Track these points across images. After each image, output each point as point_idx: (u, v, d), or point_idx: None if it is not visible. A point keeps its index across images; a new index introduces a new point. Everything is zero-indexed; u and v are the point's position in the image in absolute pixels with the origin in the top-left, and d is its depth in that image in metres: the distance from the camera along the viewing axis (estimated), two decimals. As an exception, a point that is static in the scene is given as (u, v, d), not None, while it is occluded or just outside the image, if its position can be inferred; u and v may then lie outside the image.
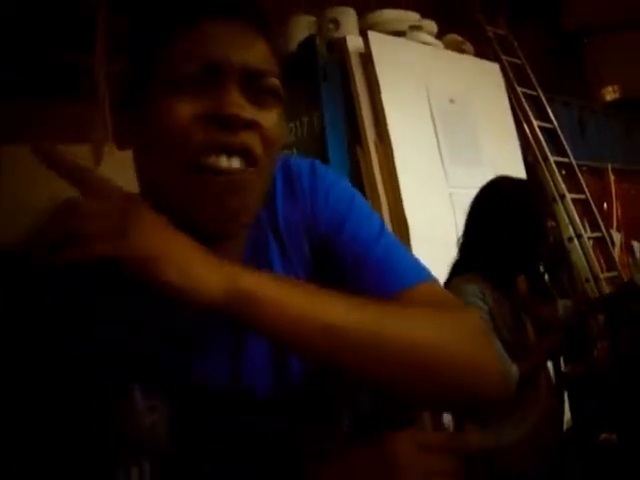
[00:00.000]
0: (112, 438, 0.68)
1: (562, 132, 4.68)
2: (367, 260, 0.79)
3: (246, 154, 0.70)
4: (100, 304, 0.71)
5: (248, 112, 0.69)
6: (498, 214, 1.93)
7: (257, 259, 0.79)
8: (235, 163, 0.69)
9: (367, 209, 0.86)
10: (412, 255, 0.86)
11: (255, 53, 0.71)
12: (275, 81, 0.73)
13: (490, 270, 1.90)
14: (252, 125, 0.70)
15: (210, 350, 0.75)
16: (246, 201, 0.70)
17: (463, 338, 0.72)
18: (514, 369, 1.84)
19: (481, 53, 4.50)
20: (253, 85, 0.71)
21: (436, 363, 0.69)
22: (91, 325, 0.70)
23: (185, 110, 0.67)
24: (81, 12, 5.22)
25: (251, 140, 0.70)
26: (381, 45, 3.38)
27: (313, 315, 0.64)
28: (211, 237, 0.69)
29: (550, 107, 4.74)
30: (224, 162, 0.68)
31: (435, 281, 0.84)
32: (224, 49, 0.69)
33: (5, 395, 0.67)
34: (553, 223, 2.01)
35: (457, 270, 1.98)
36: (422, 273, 0.82)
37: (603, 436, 2.86)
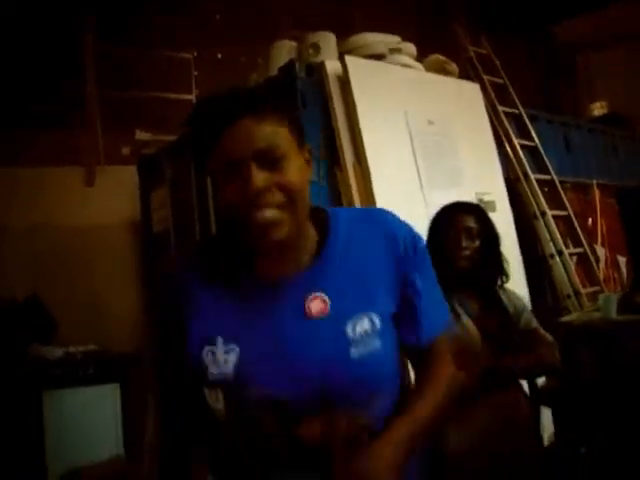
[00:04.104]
0: None
1: (547, 149, 4.76)
2: (425, 300, 1.22)
3: (273, 206, 1.07)
4: None
5: (263, 180, 1.06)
6: (428, 236, 2.23)
7: (327, 254, 1.17)
8: (269, 213, 1.07)
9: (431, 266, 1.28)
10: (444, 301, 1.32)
11: (259, 139, 1.07)
12: (280, 150, 1.08)
13: None
14: (269, 187, 1.07)
15: None
16: (280, 229, 1.08)
17: (451, 395, 1.24)
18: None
19: (465, 73, 4.59)
20: (265, 158, 1.07)
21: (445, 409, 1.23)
22: None
23: (230, 193, 1.08)
24: (69, 41, 5.37)
25: (272, 197, 1.07)
26: (359, 69, 3.46)
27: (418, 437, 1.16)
28: (271, 249, 1.12)
29: (534, 124, 4.82)
30: (261, 215, 1.07)
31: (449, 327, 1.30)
32: (240, 147, 1.06)
33: None
34: (465, 243, 2.16)
35: None
36: (447, 322, 1.29)
37: (583, 450, 2.92)
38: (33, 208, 5.04)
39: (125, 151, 5.51)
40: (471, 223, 2.16)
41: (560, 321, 3.01)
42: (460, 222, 2.17)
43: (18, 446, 3.82)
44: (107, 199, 5.27)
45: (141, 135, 5.42)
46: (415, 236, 1.24)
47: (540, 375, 2.37)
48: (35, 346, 4.10)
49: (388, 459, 1.08)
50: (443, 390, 1.23)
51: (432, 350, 1.24)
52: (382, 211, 1.29)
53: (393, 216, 1.26)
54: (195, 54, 6.27)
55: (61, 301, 4.62)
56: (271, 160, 1.07)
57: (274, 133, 1.08)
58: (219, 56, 6.48)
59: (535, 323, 2.23)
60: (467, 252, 2.14)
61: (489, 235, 2.21)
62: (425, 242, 1.27)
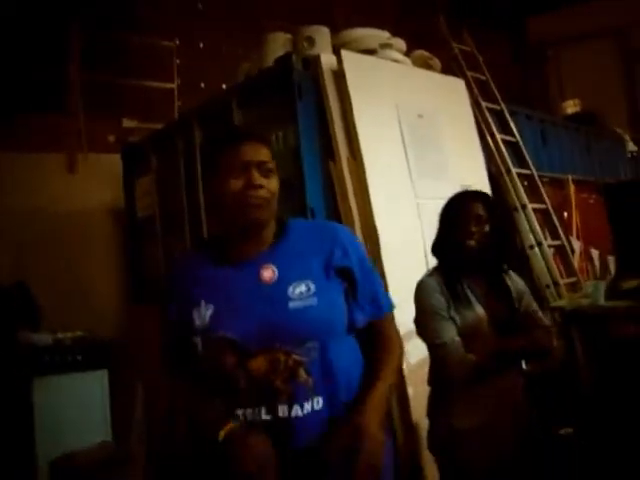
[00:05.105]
0: None
1: (525, 144, 4.91)
2: (367, 285, 1.65)
3: (260, 198, 1.55)
4: None
5: (260, 181, 1.56)
6: (439, 223, 2.41)
7: (280, 242, 1.63)
8: (258, 200, 1.55)
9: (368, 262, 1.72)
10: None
11: (262, 155, 1.59)
12: (271, 165, 1.60)
13: (443, 268, 2.32)
14: (262, 186, 1.56)
15: None
16: (262, 213, 1.56)
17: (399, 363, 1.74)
18: (468, 357, 2.10)
19: (447, 68, 4.71)
20: (262, 168, 1.58)
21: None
22: None
23: (235, 185, 1.55)
24: (53, 26, 5.34)
25: (262, 192, 1.56)
26: (353, 63, 3.54)
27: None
28: (252, 227, 1.58)
29: (513, 120, 4.96)
30: (254, 200, 1.55)
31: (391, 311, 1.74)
32: (250, 155, 1.57)
33: None
34: (475, 228, 2.26)
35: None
36: (391, 304, 1.72)
37: (562, 431, 3.06)
38: (15, 194, 5.01)
39: (111, 139, 5.50)
40: (480, 210, 2.25)
41: (552, 306, 3.14)
42: (469, 210, 2.26)
43: (7, 432, 3.84)
44: (89, 186, 5.27)
45: (128, 123, 5.43)
46: (353, 239, 1.70)
47: (536, 357, 2.48)
48: (24, 333, 4.10)
49: (374, 421, 1.47)
50: (396, 363, 1.68)
51: (381, 329, 1.67)
52: (335, 224, 1.78)
53: (341, 226, 1.76)
54: (177, 42, 6.28)
55: (45, 287, 4.62)
56: (265, 170, 1.58)
57: (269, 155, 1.61)
58: (201, 45, 6.49)
59: (535, 306, 2.34)
60: (476, 236, 2.24)
61: (498, 221, 2.30)
62: (359, 242, 1.73)
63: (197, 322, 1.55)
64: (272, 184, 1.58)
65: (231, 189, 1.54)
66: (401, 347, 1.71)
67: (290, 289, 1.53)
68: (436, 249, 2.40)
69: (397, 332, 1.72)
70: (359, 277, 1.62)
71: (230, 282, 1.58)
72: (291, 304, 1.52)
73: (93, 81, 5.49)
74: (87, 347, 4.28)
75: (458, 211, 2.29)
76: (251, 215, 1.55)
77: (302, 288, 1.53)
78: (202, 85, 6.35)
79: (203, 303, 1.56)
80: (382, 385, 1.56)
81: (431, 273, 2.33)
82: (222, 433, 1.44)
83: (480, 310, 2.20)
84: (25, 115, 5.09)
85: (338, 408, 1.52)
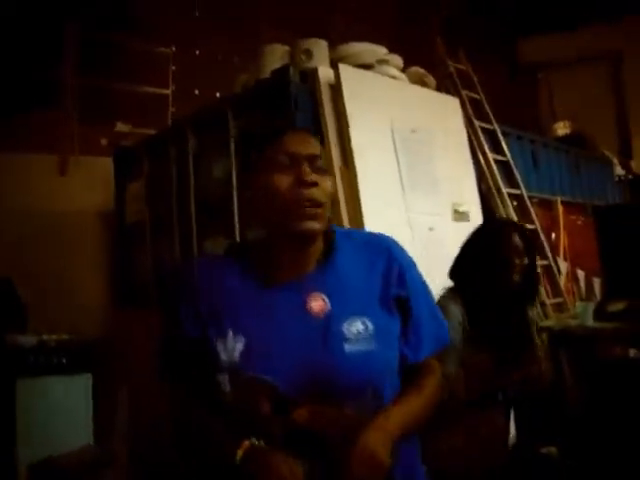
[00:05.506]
0: None
1: (516, 164, 4.95)
2: (420, 321, 1.39)
3: (315, 201, 1.28)
4: None
5: (313, 177, 1.29)
6: (470, 250, 2.30)
7: (329, 261, 1.36)
8: (312, 209, 1.28)
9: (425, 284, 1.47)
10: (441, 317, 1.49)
11: (312, 147, 1.33)
12: (322, 161, 1.34)
13: (467, 296, 2.22)
14: (316, 184, 1.29)
15: None
16: (317, 223, 1.29)
17: (436, 401, 1.40)
18: (462, 394, 2.10)
19: (442, 86, 4.75)
20: (313, 164, 1.31)
21: (431, 411, 1.38)
22: None
23: (282, 181, 1.28)
24: (51, 27, 5.33)
25: (317, 193, 1.29)
26: (350, 77, 3.57)
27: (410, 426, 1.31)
28: (301, 239, 1.31)
29: (505, 140, 5.01)
30: (306, 208, 1.28)
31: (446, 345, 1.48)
32: (299, 147, 1.31)
33: None
34: (518, 261, 2.19)
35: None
36: (441, 340, 1.45)
37: (544, 450, 3.08)
38: (5, 194, 4.99)
39: (103, 142, 5.50)
40: (518, 242, 2.22)
41: (540, 326, 3.17)
42: (511, 241, 2.21)
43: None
44: (80, 189, 5.26)
45: (121, 127, 5.44)
46: (411, 263, 1.44)
47: (526, 389, 2.46)
48: (11, 334, 4.07)
49: (377, 444, 1.19)
50: (433, 393, 1.40)
51: (424, 365, 1.41)
52: (385, 237, 1.48)
53: (394, 242, 1.46)
54: (173, 49, 6.30)
55: (32, 287, 4.59)
56: (317, 167, 1.31)
57: (319, 149, 1.35)
58: (197, 53, 6.52)
59: (538, 340, 2.34)
60: (518, 269, 2.19)
61: (532, 252, 2.28)
62: (410, 257, 1.45)
63: (223, 356, 1.27)
64: (326, 183, 1.32)
65: (276, 187, 1.27)
66: (443, 388, 1.45)
67: (345, 326, 1.27)
68: (460, 275, 2.29)
69: (441, 371, 1.46)
70: (413, 306, 1.38)
71: (268, 310, 1.30)
72: (347, 347, 1.25)
73: (87, 84, 5.49)
74: (72, 350, 4.24)
75: (499, 242, 2.22)
76: (302, 226, 1.28)
77: (359, 327, 1.28)
78: (196, 92, 6.37)
79: (231, 334, 1.28)
80: (400, 410, 1.30)
81: (450, 296, 2.22)
82: (240, 452, 1.21)
83: (488, 347, 2.16)
84: (17, 116, 5.08)
85: (396, 462, 1.23)
